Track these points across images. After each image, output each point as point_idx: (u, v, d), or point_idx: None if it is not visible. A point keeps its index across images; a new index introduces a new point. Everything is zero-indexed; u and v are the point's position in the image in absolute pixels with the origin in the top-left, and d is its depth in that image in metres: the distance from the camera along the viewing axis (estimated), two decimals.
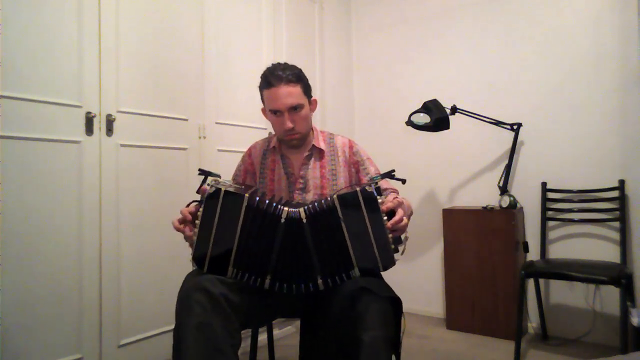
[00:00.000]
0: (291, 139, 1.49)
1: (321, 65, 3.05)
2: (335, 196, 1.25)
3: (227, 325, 1.19)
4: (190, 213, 1.30)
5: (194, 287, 1.21)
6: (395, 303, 1.25)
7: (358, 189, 1.23)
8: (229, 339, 1.18)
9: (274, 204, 1.26)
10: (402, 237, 1.28)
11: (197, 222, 1.25)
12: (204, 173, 1.32)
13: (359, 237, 1.24)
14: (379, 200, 1.22)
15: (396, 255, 1.25)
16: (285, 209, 1.26)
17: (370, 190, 1.22)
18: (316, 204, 1.26)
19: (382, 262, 1.24)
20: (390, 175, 1.35)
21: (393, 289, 1.30)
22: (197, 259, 1.27)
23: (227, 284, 1.23)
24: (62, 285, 1.67)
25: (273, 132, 1.59)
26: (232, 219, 1.24)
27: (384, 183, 1.56)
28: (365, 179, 1.54)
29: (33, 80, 1.62)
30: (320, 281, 1.26)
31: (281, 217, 1.25)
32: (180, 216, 1.31)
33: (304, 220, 1.25)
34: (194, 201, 1.34)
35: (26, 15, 1.61)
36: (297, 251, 1.26)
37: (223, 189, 1.24)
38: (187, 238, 1.30)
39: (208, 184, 1.26)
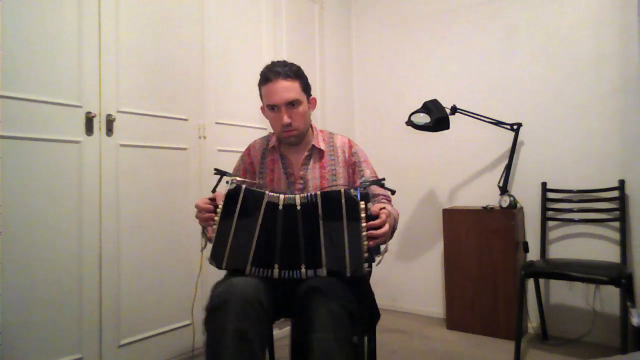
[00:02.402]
0: (288, 136, 1.48)
1: (321, 65, 3.05)
2: (318, 193, 1.26)
3: (260, 329, 1.19)
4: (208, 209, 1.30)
5: (230, 291, 1.20)
6: (347, 307, 1.20)
7: (342, 190, 1.24)
8: (261, 344, 1.19)
9: (275, 194, 1.28)
10: (382, 247, 1.27)
11: (216, 219, 1.26)
12: (220, 173, 1.32)
13: (333, 238, 1.23)
14: (362, 206, 1.21)
15: (369, 264, 1.23)
16: (282, 196, 1.28)
17: (354, 194, 1.22)
18: (308, 195, 1.28)
19: (351, 268, 1.22)
20: (380, 183, 1.35)
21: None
22: (216, 257, 1.27)
23: (259, 288, 1.23)
24: (62, 285, 1.67)
25: (272, 132, 1.59)
26: (252, 217, 1.26)
27: (377, 188, 1.53)
28: (358, 182, 1.52)
29: (33, 80, 1.62)
30: (303, 270, 1.26)
31: (279, 205, 1.27)
32: (204, 205, 1.31)
33: (298, 208, 1.26)
34: (209, 198, 1.34)
35: (26, 15, 1.61)
36: (292, 237, 1.27)
37: (243, 186, 1.26)
38: (205, 234, 1.31)
39: (227, 182, 1.27)
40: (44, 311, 1.62)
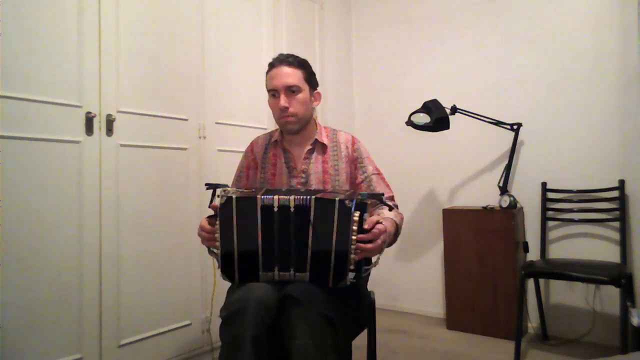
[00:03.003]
0: (286, 122, 1.47)
1: (321, 65, 3.05)
2: (313, 197, 1.23)
3: (272, 334, 1.19)
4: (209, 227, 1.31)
5: (247, 297, 1.19)
6: (325, 315, 1.19)
7: (337, 198, 1.21)
8: (272, 349, 1.20)
9: (269, 196, 1.26)
10: (374, 260, 1.26)
11: (217, 235, 1.25)
12: (212, 186, 1.31)
13: (321, 246, 1.22)
14: (355, 218, 1.20)
15: (354, 275, 1.22)
16: (277, 197, 1.25)
17: (349, 205, 1.19)
18: (302, 197, 1.25)
19: (334, 278, 1.22)
20: (379, 198, 1.34)
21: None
22: (227, 272, 1.26)
23: (273, 292, 1.23)
24: (62, 285, 1.67)
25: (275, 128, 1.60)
26: (251, 224, 1.24)
27: (380, 187, 1.54)
28: (360, 177, 1.52)
29: (33, 80, 1.62)
30: (292, 272, 1.25)
31: (274, 207, 1.25)
32: (205, 224, 1.32)
33: (292, 210, 1.24)
34: (207, 217, 1.33)
35: (26, 15, 1.61)
36: (286, 239, 1.26)
37: (234, 196, 1.24)
38: (212, 252, 1.32)
39: (218, 195, 1.26)
40: (44, 311, 1.62)
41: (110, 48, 1.84)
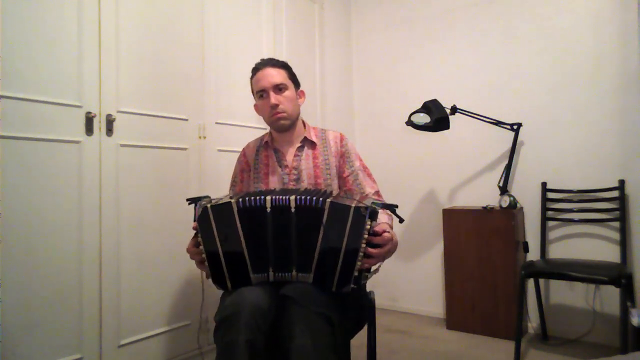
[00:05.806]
0: (278, 118, 1.52)
1: (321, 65, 3.05)
2: (328, 200, 1.22)
3: (267, 338, 1.20)
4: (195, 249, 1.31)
5: (240, 302, 1.19)
6: (325, 318, 1.20)
7: (353, 204, 1.20)
8: (271, 350, 1.20)
9: (258, 197, 1.25)
10: (373, 268, 1.26)
11: (201, 248, 1.25)
12: (193, 200, 1.31)
13: (330, 250, 1.21)
14: (367, 226, 1.19)
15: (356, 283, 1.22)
16: (268, 197, 1.24)
17: (364, 213, 1.20)
18: (307, 197, 1.24)
19: (338, 282, 1.22)
20: (392, 208, 1.32)
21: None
22: (218, 282, 1.27)
23: (267, 295, 1.23)
24: (62, 285, 1.67)
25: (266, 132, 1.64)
26: (231, 229, 1.24)
27: (367, 183, 1.56)
28: (347, 171, 1.56)
29: (33, 80, 1.62)
30: (294, 273, 1.25)
31: (266, 208, 1.24)
32: (191, 247, 1.33)
33: (292, 210, 1.24)
34: (192, 238, 1.33)
35: (26, 15, 1.61)
36: (284, 238, 1.25)
37: (208, 206, 1.23)
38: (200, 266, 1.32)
39: (196, 207, 1.26)
40: (44, 311, 1.62)
41: (110, 48, 1.84)
